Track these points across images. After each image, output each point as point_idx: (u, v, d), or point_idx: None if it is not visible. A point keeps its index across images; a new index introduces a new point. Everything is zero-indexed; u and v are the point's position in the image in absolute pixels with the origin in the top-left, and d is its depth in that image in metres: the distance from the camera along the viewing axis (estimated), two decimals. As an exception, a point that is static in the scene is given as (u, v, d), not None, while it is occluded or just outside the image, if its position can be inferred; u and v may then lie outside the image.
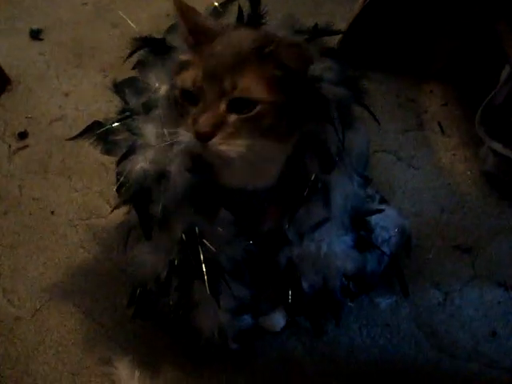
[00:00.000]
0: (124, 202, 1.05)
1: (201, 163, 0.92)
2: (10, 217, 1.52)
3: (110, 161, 1.63)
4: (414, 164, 1.60)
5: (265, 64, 0.83)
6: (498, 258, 1.39)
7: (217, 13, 1.04)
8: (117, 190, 1.02)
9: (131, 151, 1.00)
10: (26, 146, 1.68)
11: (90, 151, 1.66)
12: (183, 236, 0.99)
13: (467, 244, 1.42)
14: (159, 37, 1.07)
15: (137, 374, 1.19)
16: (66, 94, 1.84)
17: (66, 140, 1.20)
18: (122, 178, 1.00)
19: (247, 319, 1.20)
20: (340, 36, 1.67)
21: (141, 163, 0.99)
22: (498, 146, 1.52)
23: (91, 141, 1.08)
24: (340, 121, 0.94)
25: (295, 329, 1.27)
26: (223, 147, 0.85)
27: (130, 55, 1.05)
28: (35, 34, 2.05)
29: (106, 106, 1.78)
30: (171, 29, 1.06)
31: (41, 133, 1.72)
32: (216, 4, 1.04)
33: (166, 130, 0.92)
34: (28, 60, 1.97)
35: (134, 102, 1.04)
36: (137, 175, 0.99)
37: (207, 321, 1.13)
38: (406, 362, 1.23)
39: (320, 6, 2.12)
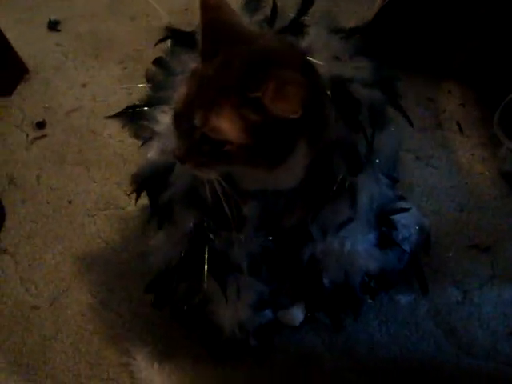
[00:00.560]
0: (135, 190, 1.06)
1: None
2: (27, 205, 1.52)
3: (127, 152, 1.63)
4: (432, 163, 1.60)
5: (245, 107, 0.78)
6: (516, 258, 1.39)
7: (250, 7, 1.04)
8: (132, 176, 1.04)
9: (151, 137, 1.02)
10: (44, 136, 1.68)
11: (109, 142, 1.66)
12: (192, 229, 0.99)
13: (486, 243, 1.41)
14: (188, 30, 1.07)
15: (156, 365, 1.19)
16: (84, 85, 1.84)
17: (106, 118, 1.19)
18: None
19: (268, 314, 1.20)
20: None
21: (151, 152, 1.01)
22: (515, 146, 1.52)
23: (123, 122, 1.06)
24: (371, 124, 0.93)
25: (314, 324, 1.27)
26: (196, 172, 0.85)
27: (159, 42, 1.05)
28: (53, 25, 2.05)
29: (124, 98, 1.77)
30: None
31: (58, 123, 1.72)
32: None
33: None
34: (46, 50, 1.97)
35: (161, 92, 1.05)
36: (146, 164, 1.01)
37: (228, 317, 1.13)
38: (425, 360, 1.23)
39: (337, 5, 2.11)
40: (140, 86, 1.10)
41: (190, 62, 0.99)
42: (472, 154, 1.62)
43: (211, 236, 1.00)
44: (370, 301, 1.26)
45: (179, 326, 1.24)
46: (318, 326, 1.27)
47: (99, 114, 1.74)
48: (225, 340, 1.15)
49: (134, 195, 1.43)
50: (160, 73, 1.07)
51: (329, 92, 0.91)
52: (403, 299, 1.32)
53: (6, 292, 1.35)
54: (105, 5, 2.17)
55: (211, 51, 0.83)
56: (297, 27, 0.99)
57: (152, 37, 2.04)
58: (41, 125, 1.70)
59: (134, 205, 1.10)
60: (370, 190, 1.01)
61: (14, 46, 1.82)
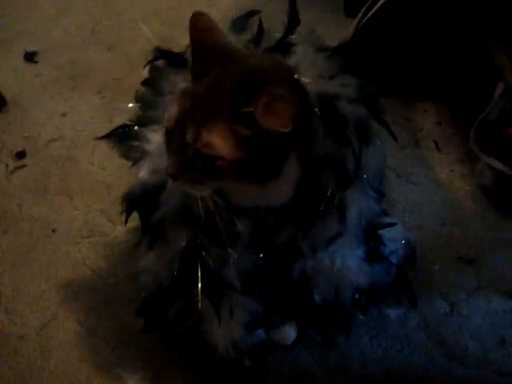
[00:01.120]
0: (125, 209, 1.06)
1: None
2: (9, 236, 1.50)
3: (110, 179, 1.63)
4: (412, 180, 1.63)
5: (236, 122, 0.80)
6: (500, 268, 1.41)
7: (237, 27, 1.06)
8: (122, 196, 1.05)
9: (142, 157, 1.02)
10: (24, 166, 1.67)
11: (90, 170, 1.66)
12: (184, 248, 0.99)
13: (470, 256, 1.43)
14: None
15: (148, 391, 1.17)
16: (64, 115, 1.84)
17: (95, 139, 1.18)
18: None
19: (260, 333, 1.19)
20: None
21: (142, 172, 1.01)
22: (493, 162, 1.56)
23: (112, 143, 1.06)
24: (358, 139, 0.96)
25: (306, 342, 1.26)
26: (188, 189, 0.86)
27: (150, 63, 1.07)
28: (30, 57, 2.06)
29: (104, 127, 1.76)
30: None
31: (38, 153, 1.71)
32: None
33: None
34: (24, 82, 1.97)
35: (151, 111, 1.06)
36: (137, 183, 1.02)
37: (221, 336, 1.12)
38: (418, 372, 1.23)
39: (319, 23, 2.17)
40: (130, 105, 1.10)
41: (180, 82, 1.01)
42: (451, 170, 1.66)
43: (204, 254, 0.99)
44: (361, 316, 1.27)
45: (170, 348, 1.22)
46: (311, 344, 1.26)
47: (79, 143, 1.75)
48: (218, 360, 1.13)
49: (119, 220, 1.44)
50: (149, 93, 1.08)
51: (316, 109, 0.93)
52: (392, 313, 1.32)
53: (-9, 323, 1.32)
54: (81, 36, 2.19)
55: (201, 71, 0.85)
56: (284, 46, 1.02)
57: (130, 65, 2.09)
58: (21, 155, 1.69)
59: (124, 225, 1.10)
60: (358, 204, 1.03)
61: (-9, 78, 1.82)
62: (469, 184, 1.62)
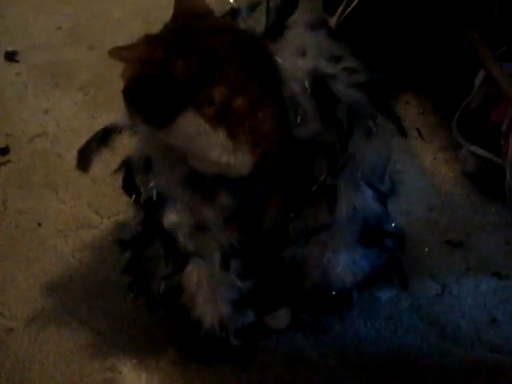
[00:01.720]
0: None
1: None
2: (-6, 230, 1.47)
3: (96, 173, 1.60)
4: (397, 168, 1.64)
5: None
6: (487, 250, 1.42)
7: (234, 13, 1.07)
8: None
9: None
10: (8, 161, 1.65)
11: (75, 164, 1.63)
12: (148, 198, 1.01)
13: (458, 238, 1.45)
14: None
15: (144, 376, 1.15)
16: (46, 112, 1.83)
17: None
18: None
19: (250, 315, 1.18)
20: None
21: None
22: (477, 149, 1.58)
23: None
24: (348, 123, 0.94)
25: (301, 326, 1.25)
26: None
27: None
28: (10, 56, 2.04)
29: (88, 123, 1.77)
30: None
31: (22, 149, 1.70)
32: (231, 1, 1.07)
33: None
34: (5, 81, 1.96)
35: None
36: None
37: (206, 311, 1.11)
38: (412, 352, 1.23)
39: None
40: None
41: None
42: (434, 158, 1.68)
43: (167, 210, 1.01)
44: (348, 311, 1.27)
45: (165, 336, 1.21)
46: (305, 326, 1.25)
47: (63, 138, 1.73)
48: (204, 336, 1.12)
49: (107, 213, 1.44)
50: None
51: (307, 86, 0.94)
52: (384, 295, 1.33)
53: (-22, 318, 1.29)
54: (61, 35, 2.18)
55: None
56: (278, 29, 1.01)
57: (112, 64, 2.07)
58: (4, 151, 1.67)
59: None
60: (350, 199, 1.02)
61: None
62: (453, 170, 1.64)
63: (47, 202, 1.54)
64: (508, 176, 1.40)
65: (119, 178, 1.08)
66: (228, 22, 1.02)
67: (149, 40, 0.87)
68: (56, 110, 1.83)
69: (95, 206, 1.52)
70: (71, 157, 1.66)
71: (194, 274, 1.05)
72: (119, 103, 1.77)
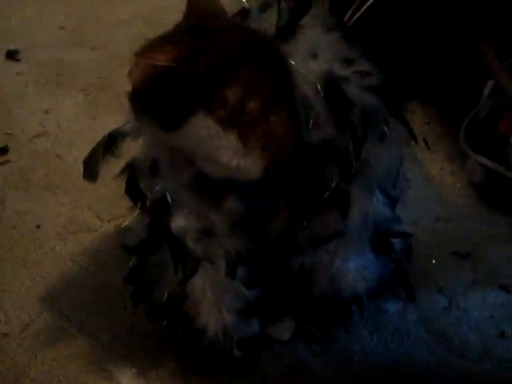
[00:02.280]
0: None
1: None
2: (-8, 232, 1.43)
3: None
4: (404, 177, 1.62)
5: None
6: (495, 263, 1.40)
7: (244, 14, 1.04)
8: None
9: None
10: (7, 161, 1.62)
11: (75, 166, 1.60)
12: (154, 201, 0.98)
13: (465, 250, 1.42)
14: None
15: (143, 385, 1.11)
16: (47, 112, 1.79)
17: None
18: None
19: (254, 325, 1.15)
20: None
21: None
22: (484, 160, 1.56)
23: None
24: (363, 128, 0.93)
25: (304, 337, 1.22)
26: None
27: None
28: (12, 55, 2.01)
29: (89, 123, 1.74)
30: None
31: (22, 148, 1.66)
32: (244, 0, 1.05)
33: None
34: (5, 80, 1.92)
35: None
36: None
37: (211, 319, 1.07)
38: (420, 365, 1.20)
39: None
40: None
41: None
42: (441, 168, 1.66)
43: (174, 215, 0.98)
44: (357, 319, 1.24)
45: (165, 344, 1.17)
46: (309, 338, 1.22)
47: (64, 139, 1.70)
48: (207, 345, 1.09)
49: (107, 216, 1.42)
50: None
51: (320, 89, 0.91)
52: (391, 308, 1.30)
53: (-27, 321, 1.25)
54: (64, 35, 2.15)
55: None
56: (290, 30, 0.99)
57: (114, 65, 2.06)
58: (3, 150, 1.64)
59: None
60: (363, 203, 1.00)
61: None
62: (459, 181, 1.62)
63: (46, 203, 1.51)
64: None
65: (120, 181, 1.06)
66: (240, 22, 1.00)
67: (175, 39, 0.84)
68: (57, 110, 1.80)
69: (95, 209, 1.49)
70: (71, 158, 1.65)
71: (199, 281, 1.02)
72: (121, 104, 1.75)
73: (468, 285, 1.35)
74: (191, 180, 0.96)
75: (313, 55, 0.95)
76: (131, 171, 1.03)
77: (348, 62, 0.96)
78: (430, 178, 1.63)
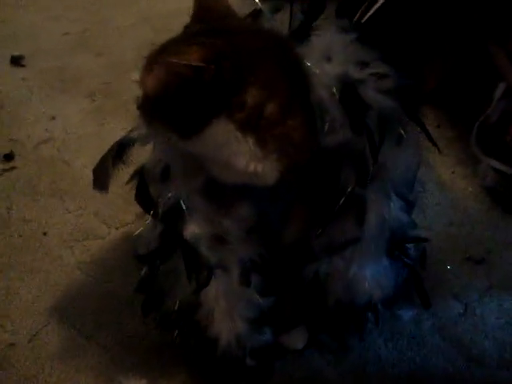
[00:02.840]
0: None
1: None
2: (-2, 239, 1.41)
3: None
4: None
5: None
6: (510, 268, 1.37)
7: (273, 7, 1.02)
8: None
9: None
10: (13, 168, 1.60)
11: (83, 172, 1.59)
12: (167, 209, 0.95)
13: (479, 255, 1.40)
14: None
15: (154, 396, 1.09)
16: (53, 118, 1.78)
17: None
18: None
19: (267, 334, 1.12)
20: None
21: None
22: (496, 164, 1.54)
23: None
24: (379, 131, 0.90)
25: (318, 346, 1.20)
26: None
27: None
28: (16, 61, 2.00)
29: (95, 129, 1.72)
30: None
31: (28, 155, 1.64)
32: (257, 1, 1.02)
33: None
34: (10, 85, 1.91)
35: None
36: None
37: (223, 328, 1.05)
38: (436, 374, 1.17)
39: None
40: None
41: None
42: (453, 172, 1.64)
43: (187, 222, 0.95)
44: (372, 327, 1.21)
45: (176, 355, 1.14)
46: (323, 347, 1.20)
47: (71, 145, 1.68)
48: (220, 355, 1.06)
49: (114, 223, 1.39)
50: None
51: (335, 92, 0.89)
52: (406, 314, 1.27)
53: (-21, 331, 1.23)
54: (69, 41, 2.14)
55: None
56: (304, 31, 0.97)
57: (120, 71, 2.04)
58: (9, 157, 1.62)
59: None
60: (380, 208, 0.97)
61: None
62: (472, 185, 1.59)
63: (53, 210, 1.48)
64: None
65: (128, 187, 1.04)
66: (252, 23, 0.97)
67: (198, 41, 0.80)
68: (63, 116, 1.78)
69: (102, 216, 1.46)
70: (78, 164, 1.63)
71: (212, 290, 1.00)
72: (127, 110, 1.73)
73: (483, 291, 1.33)
74: (204, 186, 0.94)
75: (327, 57, 0.93)
76: (141, 178, 1.01)
77: (363, 64, 0.94)
78: (442, 183, 1.60)
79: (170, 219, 0.95)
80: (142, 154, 1.02)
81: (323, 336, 1.20)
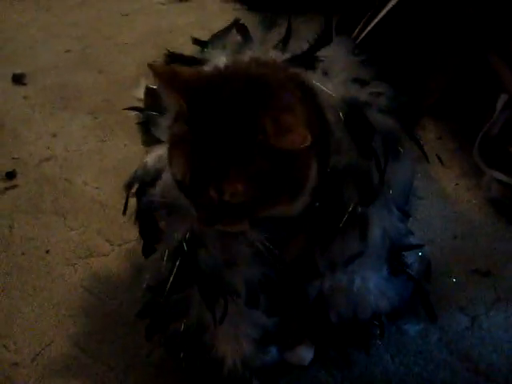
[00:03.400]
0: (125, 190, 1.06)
1: None
2: (0, 258, 1.40)
3: (106, 198, 1.56)
4: (418, 194, 1.59)
5: (252, 157, 0.77)
6: (517, 281, 1.37)
7: (266, 24, 1.02)
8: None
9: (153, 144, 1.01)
10: (15, 186, 1.60)
11: (85, 190, 1.59)
12: (181, 241, 0.94)
13: (485, 268, 1.38)
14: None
15: (158, 417, 1.07)
16: (54, 135, 1.79)
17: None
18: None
19: (273, 352, 1.12)
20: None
21: (148, 157, 1.00)
22: (499, 175, 1.54)
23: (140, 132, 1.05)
24: (384, 152, 0.91)
25: (324, 362, 1.18)
26: (228, 229, 0.85)
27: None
28: (18, 79, 2.01)
29: (98, 146, 1.73)
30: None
31: (30, 173, 1.65)
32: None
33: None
34: (12, 104, 1.92)
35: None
36: (139, 167, 1.01)
37: (229, 349, 1.04)
38: (445, 389, 1.16)
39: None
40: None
41: None
42: (456, 184, 1.63)
43: (203, 251, 0.94)
44: (378, 342, 1.20)
45: (180, 374, 1.13)
46: (329, 363, 1.18)
47: (72, 162, 1.69)
48: (226, 376, 1.05)
49: (117, 240, 1.38)
50: None
51: (342, 115, 0.89)
52: (412, 329, 1.26)
53: (-18, 351, 1.22)
54: (70, 59, 2.15)
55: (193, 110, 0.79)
56: (309, 60, 0.95)
57: (121, 87, 2.05)
58: (10, 175, 1.63)
59: (123, 213, 1.08)
60: (382, 223, 0.98)
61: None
62: (476, 197, 1.59)
63: (55, 228, 1.48)
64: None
65: (131, 206, 1.05)
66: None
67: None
68: (64, 134, 1.79)
69: (105, 233, 1.46)
70: (80, 181, 1.63)
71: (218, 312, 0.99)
72: (129, 127, 1.73)
73: (490, 303, 1.31)
74: None
75: (324, 73, 0.93)
76: (148, 213, 1.01)
77: (362, 82, 0.94)
78: (446, 195, 1.60)
79: (185, 250, 0.93)
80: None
81: (330, 352, 1.18)
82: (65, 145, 1.74)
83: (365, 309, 1.09)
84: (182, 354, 1.07)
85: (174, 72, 0.82)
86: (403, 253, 1.11)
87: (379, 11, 1.69)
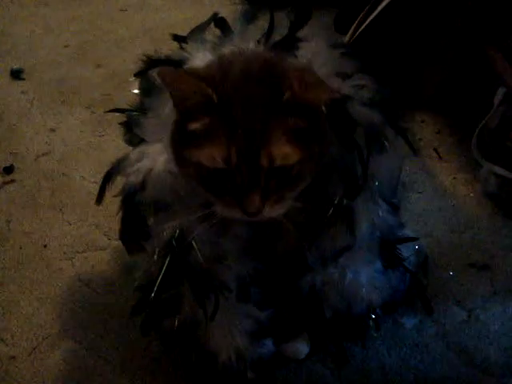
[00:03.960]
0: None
1: None
2: (-3, 252, 1.41)
3: (105, 194, 1.55)
4: (416, 188, 1.59)
5: (287, 116, 0.79)
6: (514, 274, 1.37)
7: (247, 17, 1.02)
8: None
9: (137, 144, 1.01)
10: (13, 181, 1.59)
11: (82, 184, 1.59)
12: (171, 239, 0.93)
13: (483, 261, 1.39)
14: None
15: (156, 410, 1.08)
16: (52, 130, 1.77)
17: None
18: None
19: (268, 345, 1.12)
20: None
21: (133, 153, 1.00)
22: (497, 169, 1.53)
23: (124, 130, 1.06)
24: (367, 145, 0.91)
25: (321, 355, 1.19)
26: (272, 214, 0.84)
27: (140, 74, 1.04)
28: (16, 74, 2.00)
29: (96, 141, 1.72)
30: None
31: (28, 167, 1.64)
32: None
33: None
34: (10, 99, 1.91)
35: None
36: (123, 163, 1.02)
37: (223, 342, 1.04)
38: (441, 381, 1.16)
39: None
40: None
41: None
42: (454, 178, 1.63)
43: (194, 247, 0.93)
44: (374, 334, 1.20)
45: (178, 367, 1.14)
46: (325, 355, 1.19)
47: (70, 157, 1.68)
48: (221, 369, 1.06)
49: (115, 235, 1.39)
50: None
51: (324, 109, 0.88)
52: (408, 322, 1.26)
53: (-21, 344, 1.22)
54: (68, 53, 2.14)
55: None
56: (290, 42, 0.96)
57: (119, 82, 2.05)
58: (8, 170, 1.62)
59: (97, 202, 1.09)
60: (369, 215, 0.97)
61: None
62: (473, 191, 1.58)
63: (53, 222, 1.48)
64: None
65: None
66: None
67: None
68: (62, 129, 1.78)
69: (103, 228, 1.46)
70: (78, 176, 1.63)
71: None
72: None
73: (487, 297, 1.31)
74: (205, 217, 0.91)
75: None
76: (133, 210, 0.99)
77: (343, 75, 0.94)
78: (443, 189, 1.59)
79: (175, 248, 0.93)
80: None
81: (326, 345, 1.19)
82: (63, 139, 1.74)
83: (358, 302, 1.09)
84: (177, 349, 1.07)
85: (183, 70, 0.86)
86: (398, 246, 1.11)
87: (377, 4, 1.68)
